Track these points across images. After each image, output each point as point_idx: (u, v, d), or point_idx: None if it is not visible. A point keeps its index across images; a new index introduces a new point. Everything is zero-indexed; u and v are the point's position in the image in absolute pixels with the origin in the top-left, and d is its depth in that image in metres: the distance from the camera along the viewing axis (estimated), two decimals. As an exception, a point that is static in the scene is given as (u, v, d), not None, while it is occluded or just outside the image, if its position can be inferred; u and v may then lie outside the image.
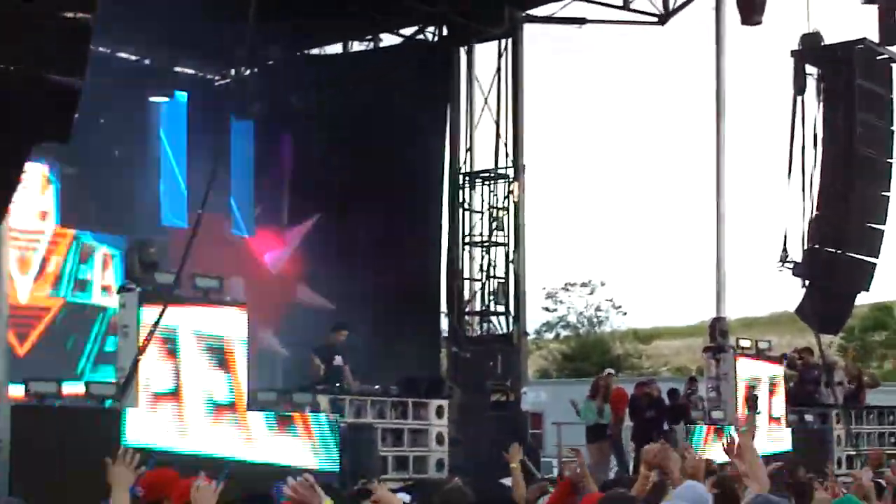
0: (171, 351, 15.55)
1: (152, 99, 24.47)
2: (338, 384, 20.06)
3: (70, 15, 11.74)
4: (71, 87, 11.84)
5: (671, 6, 25.96)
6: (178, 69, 25.76)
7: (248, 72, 26.30)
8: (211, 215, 22.33)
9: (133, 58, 25.26)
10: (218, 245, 22.68)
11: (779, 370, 23.71)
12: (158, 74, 24.97)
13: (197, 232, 17.61)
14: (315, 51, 27.36)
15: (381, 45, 27.38)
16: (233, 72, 26.69)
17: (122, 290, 15.78)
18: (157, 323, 15.14)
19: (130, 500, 7.43)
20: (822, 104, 25.26)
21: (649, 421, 23.28)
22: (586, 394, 24.33)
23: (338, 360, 20.42)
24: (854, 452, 24.52)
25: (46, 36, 11.79)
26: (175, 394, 15.53)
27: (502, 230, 25.95)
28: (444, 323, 25.79)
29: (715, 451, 17.54)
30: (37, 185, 21.47)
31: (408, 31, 27.05)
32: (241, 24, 16.30)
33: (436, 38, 26.67)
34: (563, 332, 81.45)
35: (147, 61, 25.32)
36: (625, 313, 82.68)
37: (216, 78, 27.07)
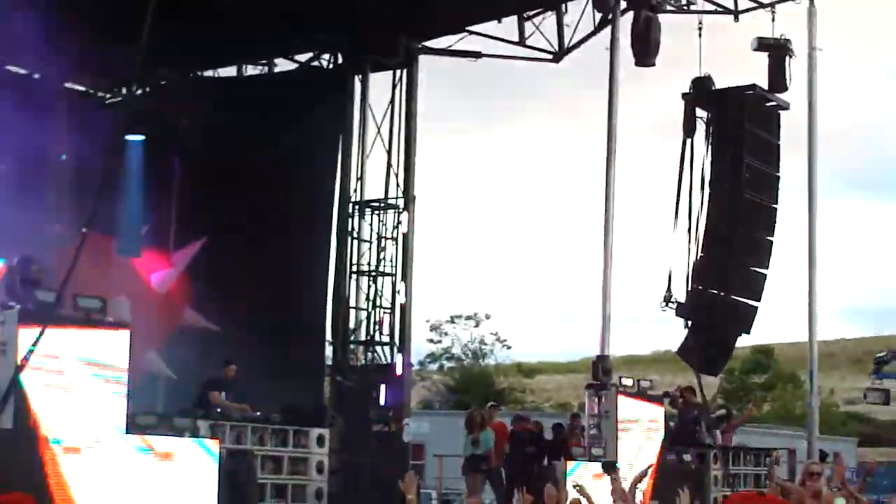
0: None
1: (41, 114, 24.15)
2: (218, 410, 19.95)
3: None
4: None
5: (566, 44, 26.18)
6: (68, 85, 25.47)
7: (139, 91, 26.09)
8: (97, 235, 22.17)
9: (23, 72, 24.96)
10: (104, 264, 22.45)
11: (658, 412, 23.84)
12: (48, 90, 24.64)
13: (81, 251, 17.40)
14: (209, 73, 27.22)
15: (276, 69, 27.32)
16: (124, 90, 26.46)
17: (1, 307, 15.52)
18: (35, 342, 14.93)
19: None
20: (710, 147, 25.58)
21: (529, 456, 23.33)
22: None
23: (223, 395, 20.42)
24: (730, 493, 24.74)
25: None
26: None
27: (390, 260, 25.97)
28: (329, 351, 25.68)
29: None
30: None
31: (303, 58, 27.00)
32: (133, 43, 16.15)
33: (331, 66, 26.65)
34: (448, 364, 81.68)
35: (36, 76, 25.01)
36: (509, 347, 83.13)
37: (107, 96, 26.82)
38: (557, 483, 19.92)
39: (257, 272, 24.00)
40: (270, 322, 24.00)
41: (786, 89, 25.78)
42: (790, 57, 25.63)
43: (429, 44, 26.67)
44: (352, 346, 25.82)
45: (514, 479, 22.02)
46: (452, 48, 26.87)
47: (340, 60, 26.42)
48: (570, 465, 21.74)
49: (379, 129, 26.23)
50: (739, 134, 25.20)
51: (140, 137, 25.01)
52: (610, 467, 19.38)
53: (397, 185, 26.11)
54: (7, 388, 14.94)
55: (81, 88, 26.06)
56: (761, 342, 73.82)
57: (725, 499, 8.03)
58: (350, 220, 25.98)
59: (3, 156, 22.68)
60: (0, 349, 15.18)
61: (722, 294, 25.44)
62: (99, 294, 16.91)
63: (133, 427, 16.67)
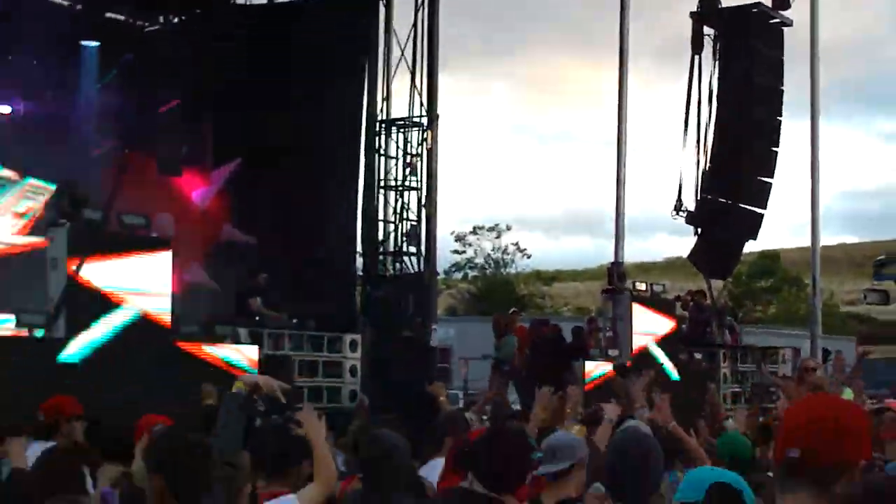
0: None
1: (84, 43, 24.07)
2: (257, 318, 20.08)
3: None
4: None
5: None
6: (108, 15, 25.34)
7: (176, 20, 25.99)
8: (139, 155, 22.22)
9: (65, 3, 24.87)
10: (147, 183, 22.48)
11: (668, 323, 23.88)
12: (89, 20, 24.56)
13: (125, 171, 17.48)
14: (241, 2, 27.07)
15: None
16: (161, 19, 26.36)
17: (52, 225, 15.60)
18: (83, 260, 15.04)
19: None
20: (717, 63, 25.46)
21: (549, 358, 23.39)
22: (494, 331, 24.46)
23: (258, 301, 20.53)
24: (738, 389, 24.86)
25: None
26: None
27: (416, 176, 25.93)
28: (360, 262, 25.74)
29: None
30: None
31: (331, -16, 26.80)
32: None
33: (357, -9, 26.44)
34: (471, 273, 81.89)
35: (79, 7, 24.92)
36: (529, 256, 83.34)
37: (146, 24, 26.70)
38: (577, 382, 20.05)
39: (290, 189, 23.96)
40: (304, 235, 24.01)
41: (788, 6, 25.58)
42: (793, -25, 25.42)
43: (449, -32, 26.43)
44: (381, 258, 25.81)
45: (536, 380, 22.07)
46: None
47: (366, -14, 26.20)
48: (589, 365, 21.88)
49: (403, 52, 26.10)
50: (745, 50, 25.07)
51: (177, 63, 24.98)
52: (623, 370, 19.52)
53: (421, 104, 25.98)
54: (59, 301, 15.08)
55: (121, 18, 25.89)
56: (767, 248, 73.84)
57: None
58: (377, 138, 25.90)
59: (46, 86, 22.66)
60: (52, 265, 15.31)
61: (730, 202, 25.43)
62: (143, 211, 17.00)
63: (177, 335, 16.83)
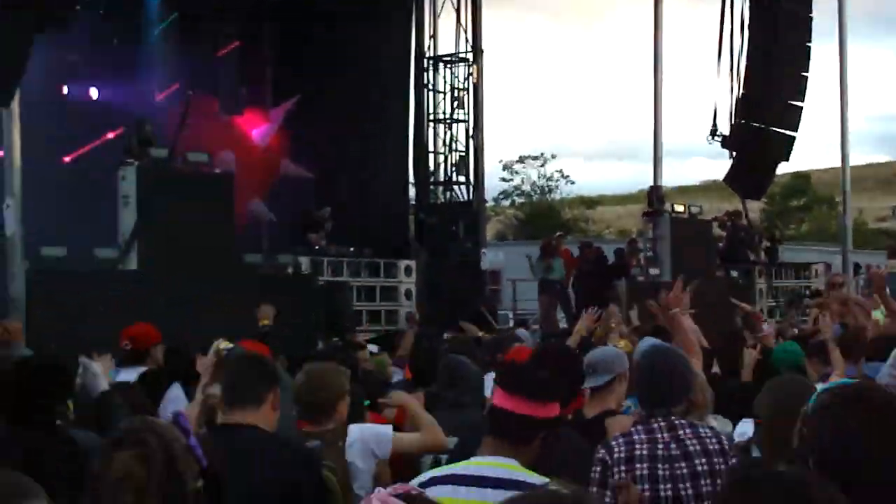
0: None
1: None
2: (317, 248, 20.13)
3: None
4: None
5: None
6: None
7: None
8: (201, 96, 22.19)
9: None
10: (209, 123, 22.49)
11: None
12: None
13: (188, 111, 17.47)
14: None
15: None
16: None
17: (121, 164, 15.64)
18: (151, 193, 15.10)
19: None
20: (749, -8, 25.13)
21: (593, 277, 23.32)
22: (538, 253, 24.39)
23: (317, 236, 20.59)
24: (774, 304, 24.73)
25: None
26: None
27: (463, 108, 25.86)
28: (412, 192, 25.73)
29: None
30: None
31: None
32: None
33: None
34: (518, 200, 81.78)
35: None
36: (573, 182, 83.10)
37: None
38: (620, 300, 19.99)
39: (345, 124, 23.88)
40: (358, 168, 23.99)
41: (817, -66, 25.19)
42: None
43: None
44: (432, 187, 25.82)
45: (581, 299, 22.09)
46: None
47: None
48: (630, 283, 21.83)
49: (448, -11, 25.93)
50: (776, -21, 24.72)
51: (236, 8, 24.90)
52: (663, 286, 19.42)
53: (466, 40, 25.87)
54: (131, 234, 15.15)
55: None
56: (799, 169, 73.27)
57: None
58: (425, 73, 25.84)
59: (113, 32, 22.63)
60: (124, 201, 15.37)
61: (762, 126, 25.19)
62: (207, 150, 17.02)
63: (242, 264, 16.91)
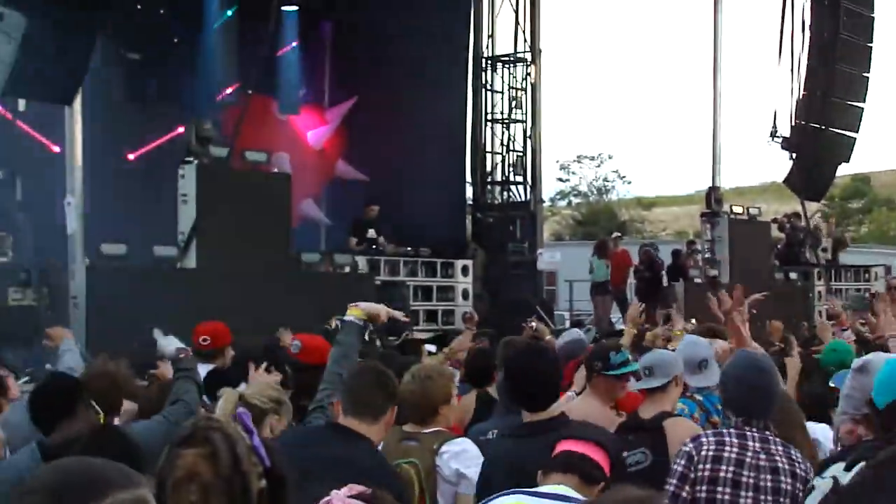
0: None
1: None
2: (374, 246, 20.15)
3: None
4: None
5: None
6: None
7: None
8: (260, 96, 22.29)
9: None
10: (267, 123, 22.60)
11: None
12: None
13: (247, 111, 17.55)
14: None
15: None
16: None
17: (181, 162, 15.73)
18: (210, 192, 15.17)
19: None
20: (810, -6, 24.96)
21: (647, 279, 23.24)
22: (594, 253, 24.34)
23: (371, 233, 20.57)
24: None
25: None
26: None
27: (521, 108, 25.83)
28: (469, 191, 25.74)
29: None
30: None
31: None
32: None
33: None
34: (575, 200, 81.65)
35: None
36: (629, 183, 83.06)
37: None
38: (676, 301, 19.92)
39: (402, 124, 23.90)
40: (416, 168, 24.01)
41: (880, -63, 24.96)
42: None
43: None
44: (489, 187, 25.82)
45: (638, 299, 22.04)
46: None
47: (469, -71, 25.97)
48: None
49: (506, -10, 25.91)
50: (836, -21, 24.53)
51: (294, 8, 25.00)
52: (716, 285, 19.33)
53: (525, 40, 25.84)
54: (189, 234, 15.22)
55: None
56: (859, 171, 72.64)
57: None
58: (483, 73, 25.84)
59: (173, 30, 22.77)
60: (182, 199, 15.44)
61: (823, 127, 25.00)
62: (263, 149, 17.09)
63: (299, 264, 16.96)
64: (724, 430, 5.45)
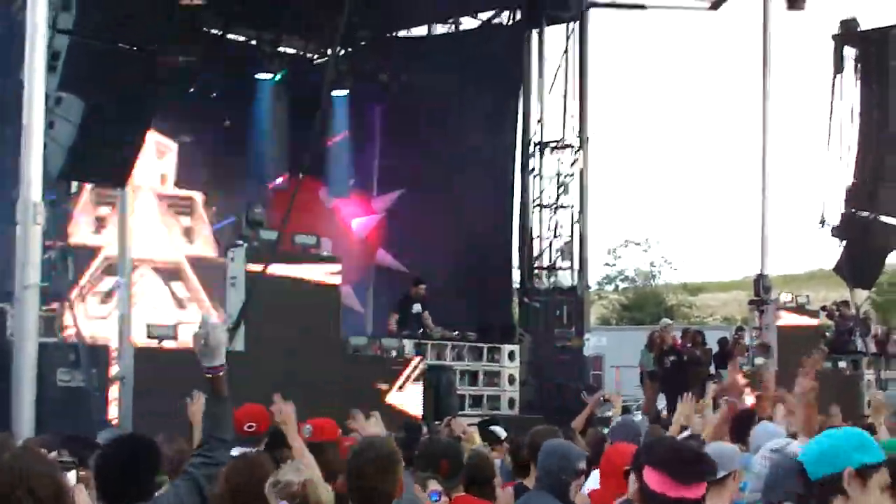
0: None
1: (258, 76, 24.43)
2: (420, 330, 20.11)
3: (185, 2, 11.76)
4: (184, 65, 11.89)
5: (722, -6, 25.64)
6: (281, 49, 25.66)
7: (342, 51, 26.24)
8: (309, 180, 22.46)
9: (241, 38, 25.29)
10: (313, 207, 22.71)
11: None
12: (263, 54, 24.91)
13: (296, 195, 17.65)
14: (402, 33, 27.27)
15: (462, 27, 27.25)
16: (329, 51, 26.67)
17: (231, 246, 15.84)
18: (261, 275, 15.23)
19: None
20: (859, 83, 24.98)
21: (686, 367, 22.84)
22: (644, 344, 24.14)
23: (416, 308, 20.51)
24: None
25: (159, 17, 11.83)
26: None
27: (568, 194, 25.85)
28: (517, 276, 25.72)
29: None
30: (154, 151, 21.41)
31: (485, 16, 26.88)
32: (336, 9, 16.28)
33: (511, 22, 26.46)
34: (622, 285, 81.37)
35: (254, 42, 25.31)
36: (676, 268, 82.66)
37: (315, 56, 27.00)
38: (724, 389, 19.71)
39: (450, 211, 23.97)
40: (464, 253, 24.03)
41: (927, 26, 24.98)
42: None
43: (597, -1, 26.41)
44: (536, 272, 25.78)
45: (677, 388, 21.94)
46: (619, 2, 26.55)
47: (519, 17, 26.18)
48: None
49: (555, 77, 26.02)
50: (885, 69, 24.54)
51: (345, 93, 25.25)
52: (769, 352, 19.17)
53: (573, 127, 25.92)
54: (238, 316, 15.26)
55: (292, 51, 26.22)
56: (910, 258, 72.08)
57: None
58: (531, 159, 25.90)
59: (230, 109, 23.04)
60: (231, 283, 15.52)
61: (872, 215, 24.91)
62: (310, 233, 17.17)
63: (347, 346, 16.98)
64: None
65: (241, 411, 9.16)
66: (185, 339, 15.17)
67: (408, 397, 17.19)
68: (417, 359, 17.90)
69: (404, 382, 17.15)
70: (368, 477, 5.21)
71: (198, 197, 20.33)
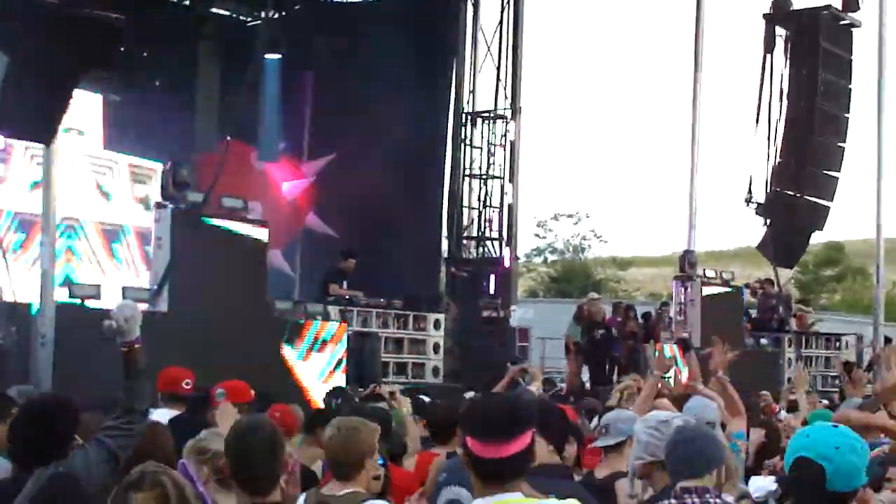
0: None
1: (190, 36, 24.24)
2: (347, 297, 20.18)
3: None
4: (113, 24, 11.82)
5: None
6: (214, 10, 25.46)
7: (275, 15, 26.13)
8: (238, 143, 22.36)
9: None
10: (242, 171, 22.63)
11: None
12: (194, 14, 24.73)
13: (226, 158, 17.62)
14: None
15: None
16: (262, 14, 26.55)
17: (157, 206, 15.80)
18: (184, 236, 15.25)
19: None
20: (789, 63, 25.23)
21: (599, 339, 23.05)
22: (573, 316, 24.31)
23: (345, 285, 20.56)
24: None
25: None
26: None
27: (498, 164, 25.95)
28: (445, 245, 25.79)
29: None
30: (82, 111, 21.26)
31: (420, -16, 26.86)
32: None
33: (445, -9, 26.46)
34: (551, 258, 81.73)
35: (186, 2, 25.12)
36: (606, 242, 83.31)
37: (248, 20, 26.87)
38: (647, 362, 20.02)
39: (379, 177, 23.95)
40: (393, 221, 24.06)
41: (858, 8, 25.25)
42: (862, -22, 25.13)
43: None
44: (464, 242, 25.89)
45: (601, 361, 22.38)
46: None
47: (455, -15, 26.20)
48: (658, 347, 21.79)
49: (489, 48, 26.10)
50: (815, 50, 24.80)
51: (277, 56, 25.14)
52: (688, 344, 19.42)
53: (505, 97, 26.00)
54: (163, 277, 15.26)
55: (226, 13, 26.06)
56: (833, 238, 73.02)
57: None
58: (463, 129, 25.97)
59: (160, 70, 22.84)
60: (157, 244, 15.51)
61: (797, 195, 25.21)
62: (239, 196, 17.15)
63: (273, 310, 17.02)
64: (666, 501, 5.49)
65: (171, 371, 9.22)
66: (109, 300, 15.17)
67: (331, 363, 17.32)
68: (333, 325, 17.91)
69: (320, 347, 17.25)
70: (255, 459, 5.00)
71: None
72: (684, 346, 19.11)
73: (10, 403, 7.64)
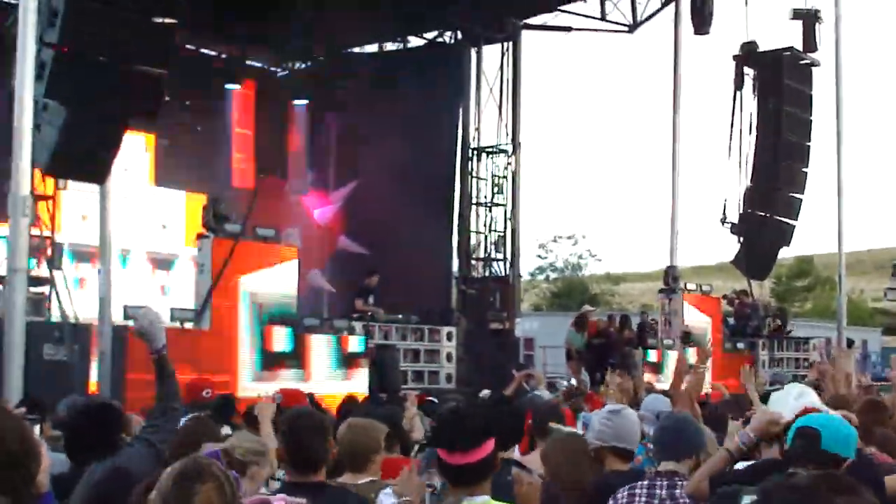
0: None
1: (227, 86, 24.43)
2: (370, 314, 20.26)
3: (158, 20, 11.83)
4: (158, 77, 11.97)
5: (639, 18, 25.94)
6: (248, 63, 25.68)
7: (302, 66, 26.36)
8: (273, 178, 22.55)
9: (212, 53, 25.34)
10: (278, 203, 22.79)
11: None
12: (230, 66, 24.95)
13: (259, 192, 17.75)
14: (356, 49, 27.37)
15: (409, 45, 27.41)
16: (291, 65, 26.78)
17: (199, 236, 15.94)
18: (226, 261, 15.34)
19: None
20: (756, 98, 25.31)
21: (599, 347, 23.08)
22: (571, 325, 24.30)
23: (371, 299, 20.62)
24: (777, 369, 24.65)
25: (137, 34, 11.90)
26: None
27: (502, 193, 26.08)
28: (455, 265, 25.91)
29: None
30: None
31: (430, 35, 27.05)
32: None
33: (452, 41, 26.65)
34: (552, 275, 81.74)
35: (223, 56, 25.36)
36: (600, 260, 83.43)
37: (278, 70, 27.09)
38: (637, 367, 20.11)
39: (398, 205, 24.08)
40: (410, 244, 24.15)
41: (816, 49, 25.34)
42: (819, 23, 25.18)
43: (529, 21, 26.61)
44: (473, 262, 25.99)
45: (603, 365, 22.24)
46: (548, 24, 26.81)
47: (460, 37, 26.35)
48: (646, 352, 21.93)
49: (491, 90, 26.26)
50: (779, 87, 24.89)
51: (304, 102, 25.33)
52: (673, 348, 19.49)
53: (506, 133, 26.15)
54: (205, 299, 15.37)
55: (258, 65, 26.26)
56: (804, 253, 72.85)
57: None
58: (469, 162, 26.11)
59: (201, 115, 23.05)
60: (199, 269, 15.61)
61: (767, 215, 25.25)
62: (274, 226, 17.28)
63: (301, 327, 17.11)
64: (638, 483, 5.61)
65: (194, 381, 9.32)
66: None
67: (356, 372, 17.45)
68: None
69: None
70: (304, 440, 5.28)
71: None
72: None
73: (41, 405, 7.84)
